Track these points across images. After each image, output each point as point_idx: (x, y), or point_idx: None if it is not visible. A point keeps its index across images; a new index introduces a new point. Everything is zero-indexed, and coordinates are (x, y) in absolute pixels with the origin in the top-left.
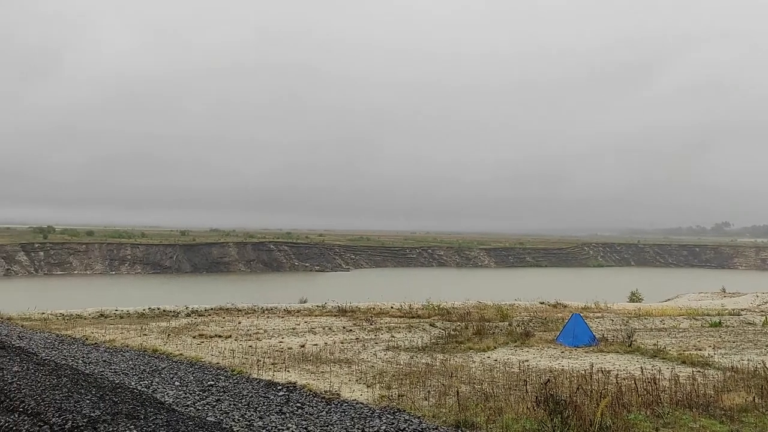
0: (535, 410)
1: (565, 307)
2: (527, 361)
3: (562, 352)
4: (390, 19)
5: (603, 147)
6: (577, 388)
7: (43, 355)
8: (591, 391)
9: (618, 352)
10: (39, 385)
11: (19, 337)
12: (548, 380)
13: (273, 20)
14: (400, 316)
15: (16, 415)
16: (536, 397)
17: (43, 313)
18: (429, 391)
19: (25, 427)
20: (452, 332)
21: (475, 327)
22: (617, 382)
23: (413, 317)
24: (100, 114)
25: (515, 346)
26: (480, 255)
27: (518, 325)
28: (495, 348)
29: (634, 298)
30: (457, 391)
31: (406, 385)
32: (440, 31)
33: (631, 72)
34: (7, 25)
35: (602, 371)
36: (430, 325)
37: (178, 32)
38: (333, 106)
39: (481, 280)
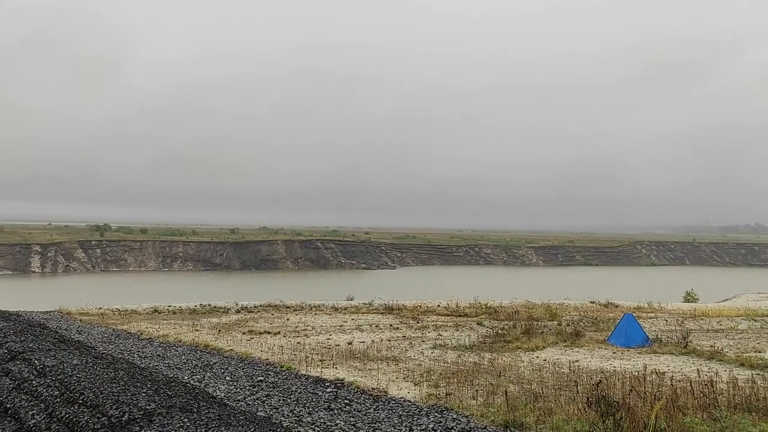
0: (586, 412)
1: (617, 306)
2: (577, 361)
3: (614, 352)
4: (434, 23)
5: (655, 146)
6: (630, 390)
7: (101, 348)
8: (645, 393)
9: (673, 353)
10: (97, 378)
11: (78, 331)
12: (600, 381)
13: (323, 28)
14: (447, 315)
15: (76, 407)
16: (587, 398)
17: (100, 309)
18: (477, 390)
19: (85, 418)
20: (500, 331)
21: (523, 326)
22: (672, 385)
23: (460, 316)
24: (155, 119)
25: (565, 346)
26: (528, 253)
27: (568, 325)
28: (544, 348)
29: (690, 298)
30: (506, 391)
31: (453, 384)
32: (486, 34)
33: (683, 70)
34: (71, 36)
35: (656, 373)
36: (478, 323)
37: (229, 41)
38: (378, 108)
39: (529, 278)
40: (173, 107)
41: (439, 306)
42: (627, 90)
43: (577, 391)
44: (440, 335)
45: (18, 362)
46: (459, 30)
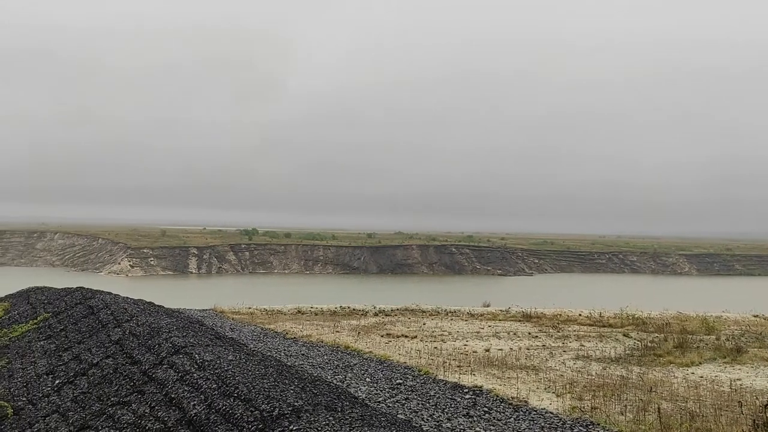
0: None
1: None
2: (740, 379)
3: None
4: (582, 13)
5: None
6: None
7: (252, 346)
8: None
9: None
10: (249, 373)
11: (230, 329)
12: None
13: (478, 29)
14: (590, 325)
15: (231, 400)
16: (753, 420)
17: (250, 308)
18: (625, 406)
19: (239, 411)
20: (649, 344)
21: (675, 339)
22: None
23: (604, 326)
24: (307, 127)
25: (724, 362)
26: (679, 261)
27: (727, 340)
28: (700, 363)
29: None
30: (658, 408)
31: (599, 398)
32: (635, 19)
33: None
34: (240, 59)
35: None
36: (624, 335)
37: (383, 47)
38: (518, 110)
39: (681, 288)
40: (327, 116)
41: (580, 315)
42: None
43: (741, 412)
44: (583, 345)
45: (181, 356)
46: (608, 19)
